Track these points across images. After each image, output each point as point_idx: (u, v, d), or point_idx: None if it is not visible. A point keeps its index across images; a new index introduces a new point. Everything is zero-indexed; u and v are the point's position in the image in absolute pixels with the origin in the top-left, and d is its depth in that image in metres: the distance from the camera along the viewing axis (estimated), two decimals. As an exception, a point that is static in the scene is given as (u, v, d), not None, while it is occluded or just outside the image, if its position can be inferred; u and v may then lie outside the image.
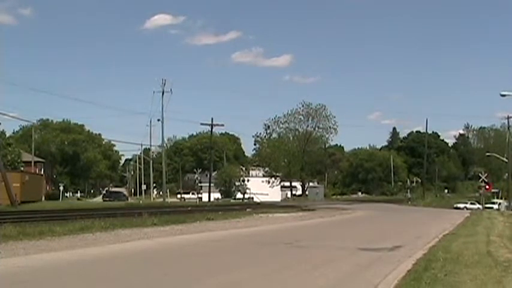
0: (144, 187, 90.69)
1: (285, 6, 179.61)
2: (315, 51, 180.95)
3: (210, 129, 71.38)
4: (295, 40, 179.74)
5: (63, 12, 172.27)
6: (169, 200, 73.91)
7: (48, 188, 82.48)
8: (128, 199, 79.18)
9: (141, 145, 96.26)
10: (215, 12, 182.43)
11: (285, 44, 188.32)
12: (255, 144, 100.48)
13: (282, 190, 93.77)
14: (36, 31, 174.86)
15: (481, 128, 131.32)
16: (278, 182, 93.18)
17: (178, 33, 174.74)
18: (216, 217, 26.50)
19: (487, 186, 70.99)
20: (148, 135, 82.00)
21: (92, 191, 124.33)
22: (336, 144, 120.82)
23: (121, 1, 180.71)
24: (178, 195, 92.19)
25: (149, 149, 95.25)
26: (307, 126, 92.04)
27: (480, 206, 59.01)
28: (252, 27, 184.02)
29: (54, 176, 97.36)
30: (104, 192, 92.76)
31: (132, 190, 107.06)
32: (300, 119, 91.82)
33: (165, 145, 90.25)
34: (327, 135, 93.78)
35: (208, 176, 73.33)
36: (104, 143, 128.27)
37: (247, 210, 36.14)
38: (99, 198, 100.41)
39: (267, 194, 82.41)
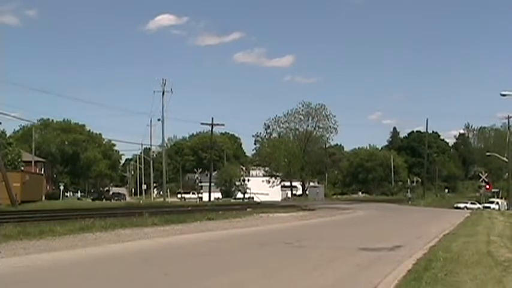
0: (144, 187, 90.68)
1: (287, 7, 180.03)
2: (317, 52, 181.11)
3: (210, 129, 71.50)
4: (298, 41, 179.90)
5: (66, 13, 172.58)
6: (170, 199, 73.90)
7: (48, 187, 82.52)
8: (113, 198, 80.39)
9: (142, 145, 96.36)
10: (218, 13, 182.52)
11: (287, 45, 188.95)
12: (255, 144, 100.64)
13: (282, 190, 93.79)
14: (39, 31, 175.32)
15: (481, 128, 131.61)
16: (278, 182, 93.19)
17: (181, 34, 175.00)
18: (217, 217, 26.49)
19: (487, 186, 71.05)
20: (148, 135, 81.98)
21: (92, 191, 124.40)
22: (336, 144, 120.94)
23: (125, 2, 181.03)
24: (179, 195, 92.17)
25: (149, 149, 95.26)
26: (307, 125, 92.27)
27: (480, 206, 59.02)
28: (254, 28, 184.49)
29: (55, 176, 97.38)
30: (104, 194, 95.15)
31: (133, 190, 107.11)
32: (300, 118, 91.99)
33: (165, 145, 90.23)
34: (327, 135, 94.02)
35: (209, 175, 73.37)
36: (104, 142, 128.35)
37: (248, 210, 36.12)
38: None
39: (267, 194, 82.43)
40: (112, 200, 75.83)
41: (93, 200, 77.43)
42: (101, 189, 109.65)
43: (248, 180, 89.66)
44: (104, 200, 75.07)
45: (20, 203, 46.62)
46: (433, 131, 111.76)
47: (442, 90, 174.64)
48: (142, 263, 11.49)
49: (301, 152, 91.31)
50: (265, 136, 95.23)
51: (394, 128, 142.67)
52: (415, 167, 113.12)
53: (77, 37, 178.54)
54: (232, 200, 74.56)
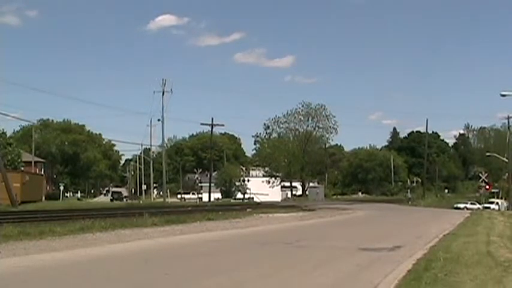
0: (144, 187, 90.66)
1: (287, 7, 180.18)
2: (317, 52, 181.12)
3: (210, 129, 71.50)
4: (298, 41, 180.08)
5: (67, 13, 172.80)
6: (170, 200, 73.91)
7: (48, 188, 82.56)
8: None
9: (142, 145, 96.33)
10: (219, 14, 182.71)
11: (287, 45, 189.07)
12: (255, 144, 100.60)
13: (282, 190, 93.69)
14: (39, 32, 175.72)
15: (481, 128, 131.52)
16: (278, 182, 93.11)
17: (182, 34, 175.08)
18: (216, 217, 26.51)
19: (487, 186, 71.03)
20: (148, 135, 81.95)
21: (92, 191, 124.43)
22: (336, 144, 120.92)
23: (125, 2, 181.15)
24: (179, 195, 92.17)
25: (149, 149, 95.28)
26: (307, 126, 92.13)
27: (480, 206, 58.99)
28: (255, 29, 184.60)
29: (55, 176, 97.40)
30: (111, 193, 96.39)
31: (133, 190, 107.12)
32: (300, 119, 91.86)
33: (165, 145, 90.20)
34: (327, 135, 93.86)
35: (209, 176, 73.34)
36: (104, 143, 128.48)
37: (248, 210, 36.12)
38: (99, 198, 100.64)
39: (267, 194, 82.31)
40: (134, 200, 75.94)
41: (111, 200, 77.69)
42: (101, 189, 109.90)
43: (248, 181, 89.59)
44: (126, 200, 75.31)
45: (20, 204, 46.63)
46: (433, 131, 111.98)
47: (442, 90, 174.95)
48: (142, 263, 11.48)
49: (301, 152, 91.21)
50: (265, 136, 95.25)
51: (394, 128, 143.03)
52: (415, 167, 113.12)
53: (77, 37, 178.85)
54: (232, 201, 74.53)
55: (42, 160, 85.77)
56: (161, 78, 70.54)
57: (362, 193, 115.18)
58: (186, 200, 78.29)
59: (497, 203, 60.22)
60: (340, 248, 14.72)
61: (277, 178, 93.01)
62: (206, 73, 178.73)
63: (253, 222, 25.59)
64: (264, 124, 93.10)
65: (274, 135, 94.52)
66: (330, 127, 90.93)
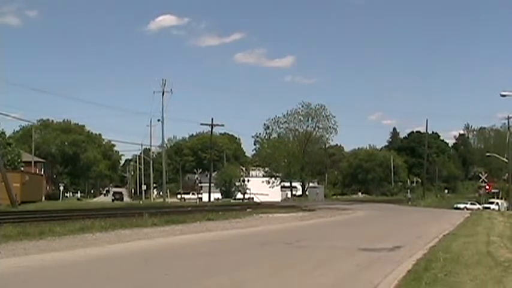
0: (144, 187, 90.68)
1: (287, 7, 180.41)
2: (318, 52, 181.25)
3: (210, 129, 71.49)
4: (298, 41, 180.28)
5: (67, 13, 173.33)
6: (170, 200, 73.86)
7: (48, 188, 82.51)
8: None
9: (141, 145, 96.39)
10: (219, 14, 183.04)
11: (287, 45, 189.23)
12: (255, 144, 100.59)
13: (282, 190, 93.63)
14: (39, 32, 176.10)
15: (481, 128, 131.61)
16: (278, 182, 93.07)
17: (182, 34, 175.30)
18: (216, 217, 26.50)
19: (487, 187, 71.02)
20: (148, 135, 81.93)
21: (92, 191, 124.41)
22: (336, 145, 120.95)
23: (126, 3, 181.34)
24: (179, 196, 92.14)
25: (149, 149, 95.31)
26: (307, 126, 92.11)
27: (480, 206, 58.98)
28: (255, 29, 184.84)
29: (54, 176, 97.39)
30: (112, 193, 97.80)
31: (133, 190, 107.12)
32: (300, 119, 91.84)
33: (165, 145, 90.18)
34: (327, 135, 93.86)
35: (209, 176, 73.31)
36: (104, 143, 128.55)
37: (248, 210, 36.11)
38: (99, 198, 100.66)
39: (267, 194, 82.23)
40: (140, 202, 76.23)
41: (113, 200, 77.90)
42: (101, 189, 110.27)
43: (248, 181, 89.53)
44: (132, 200, 75.48)
45: (20, 204, 46.63)
46: (432, 132, 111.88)
47: (442, 90, 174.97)
48: (142, 263, 11.48)
49: (301, 153, 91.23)
50: (265, 136, 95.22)
51: (394, 129, 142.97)
52: (415, 167, 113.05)
53: (77, 37, 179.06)
54: (232, 201, 74.46)
55: (42, 160, 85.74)
56: (161, 78, 70.76)
57: (362, 193, 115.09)
58: (186, 200, 78.19)
59: (497, 203, 60.19)
60: (340, 248, 14.72)
61: (277, 178, 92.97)
62: (206, 73, 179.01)
63: (253, 222, 25.58)
64: (264, 124, 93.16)
65: (274, 135, 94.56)
66: (330, 127, 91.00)
